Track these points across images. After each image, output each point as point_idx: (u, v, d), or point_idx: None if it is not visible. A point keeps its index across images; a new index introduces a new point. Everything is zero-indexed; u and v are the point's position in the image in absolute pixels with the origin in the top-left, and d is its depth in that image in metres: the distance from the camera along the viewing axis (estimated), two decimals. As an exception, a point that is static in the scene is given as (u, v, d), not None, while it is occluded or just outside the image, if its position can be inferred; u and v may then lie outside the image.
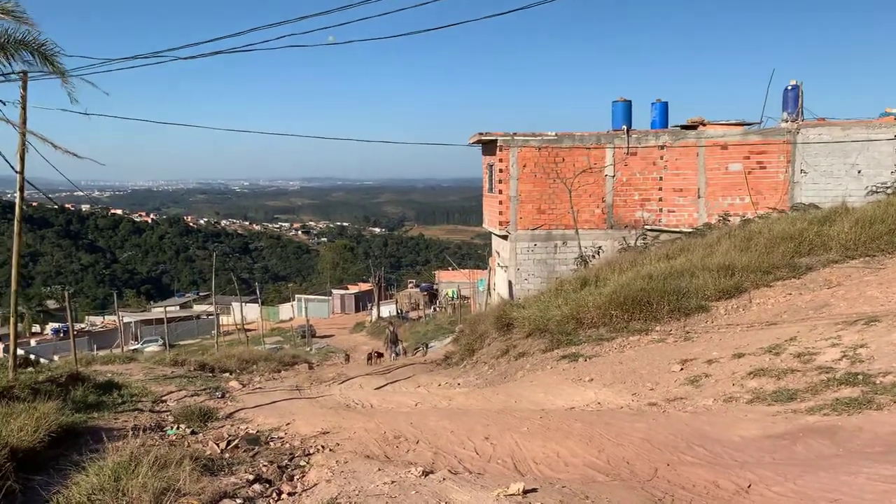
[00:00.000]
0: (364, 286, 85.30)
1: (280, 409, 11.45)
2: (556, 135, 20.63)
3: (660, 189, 20.88)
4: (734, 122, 21.14)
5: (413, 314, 66.25)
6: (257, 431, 9.59)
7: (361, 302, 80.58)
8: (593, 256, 19.48)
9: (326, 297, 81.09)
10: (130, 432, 9.84)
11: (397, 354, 27.20)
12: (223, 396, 13.36)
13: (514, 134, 20.53)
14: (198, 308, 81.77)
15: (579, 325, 12.83)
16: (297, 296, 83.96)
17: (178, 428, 10.21)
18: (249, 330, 48.33)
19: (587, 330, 12.73)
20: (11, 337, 11.31)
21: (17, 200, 11.36)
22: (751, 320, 11.46)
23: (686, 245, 15.90)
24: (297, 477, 7.44)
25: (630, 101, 21.14)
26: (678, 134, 20.93)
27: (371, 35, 10.83)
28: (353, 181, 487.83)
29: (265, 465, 7.83)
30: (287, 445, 8.80)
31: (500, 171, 20.63)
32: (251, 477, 7.33)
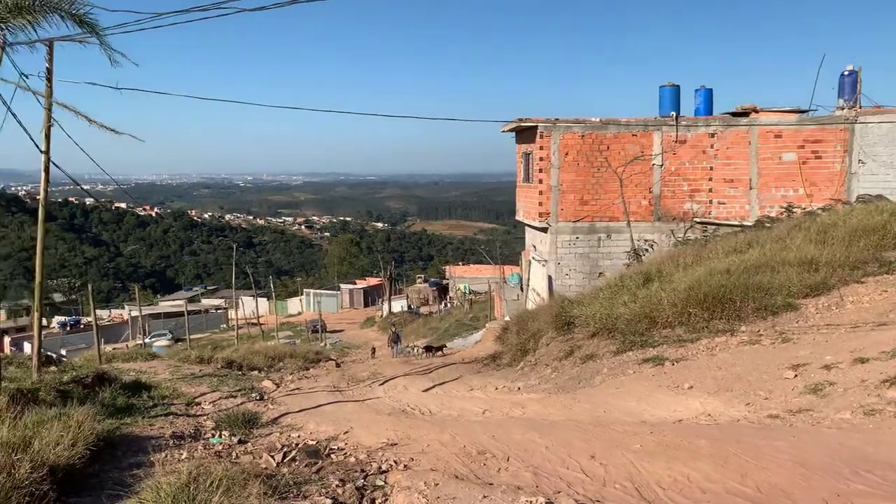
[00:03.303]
0: (372, 281, 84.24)
1: (331, 415, 10.40)
2: (601, 121, 19.50)
3: (710, 179, 19.74)
4: (788, 109, 19.99)
5: (423, 309, 65.20)
6: (316, 442, 8.51)
7: (370, 297, 79.46)
8: (646, 250, 18.36)
9: (335, 292, 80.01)
10: (170, 441, 8.81)
11: (401, 353, 27.27)
12: (262, 398, 12.34)
13: (557, 120, 19.40)
14: (205, 302, 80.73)
15: (652, 324, 11.73)
16: (305, 290, 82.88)
17: (221, 436, 9.16)
18: (261, 324, 47.22)
19: (661, 330, 11.63)
20: (35, 333, 10.22)
21: (42, 183, 10.27)
22: (852, 320, 10.34)
23: (753, 238, 14.77)
24: (380, 501, 6.36)
25: (678, 86, 19.99)
26: (730, 121, 19.77)
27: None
28: (355, 176, 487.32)
29: (338, 485, 6.75)
30: (352, 459, 7.72)
31: (541, 159, 19.49)
32: (328, 501, 6.24)
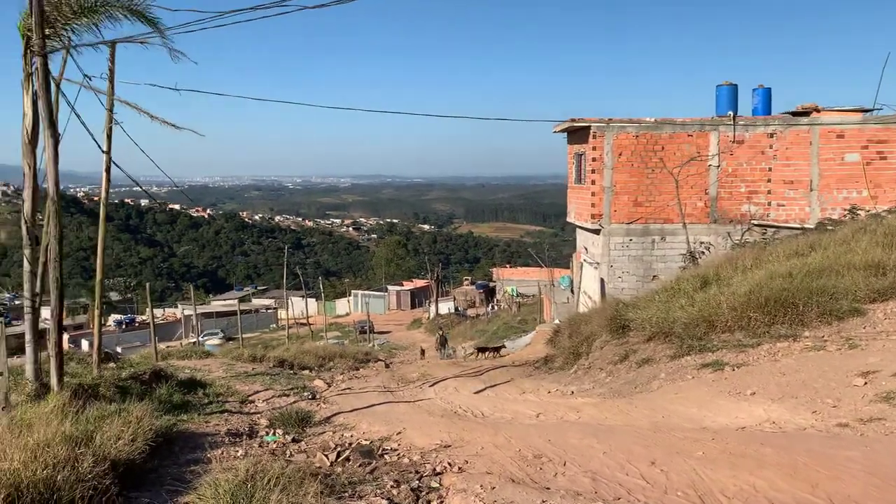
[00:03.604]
0: (419, 283, 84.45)
1: (383, 415, 10.38)
2: (656, 121, 19.14)
3: (768, 181, 19.21)
4: (851, 108, 19.34)
5: (470, 312, 65.07)
6: (370, 442, 8.49)
7: (417, 298, 79.68)
8: (703, 253, 17.94)
9: (382, 294, 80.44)
10: (225, 438, 8.89)
11: (448, 356, 27.54)
12: (314, 397, 12.41)
13: (610, 120, 19.11)
14: (256, 302, 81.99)
15: (711, 328, 11.41)
16: (353, 291, 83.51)
17: (275, 434, 9.22)
18: (310, 324, 47.77)
19: (720, 334, 11.30)
20: (95, 331, 10.43)
21: (103, 182, 10.48)
22: (925, 327, 9.90)
23: (816, 241, 14.28)
24: (436, 503, 6.29)
25: (736, 85, 19.51)
26: (789, 121, 19.22)
27: None
28: (402, 178, 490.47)
29: (392, 486, 6.71)
30: (406, 460, 7.67)
31: (594, 159, 19.22)
32: (384, 502, 6.20)
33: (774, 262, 13.41)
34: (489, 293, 73.96)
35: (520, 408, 10.24)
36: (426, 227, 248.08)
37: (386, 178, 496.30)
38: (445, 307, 64.86)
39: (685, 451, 6.90)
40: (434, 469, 7.16)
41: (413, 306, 78.61)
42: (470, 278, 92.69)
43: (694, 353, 10.87)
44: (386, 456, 7.87)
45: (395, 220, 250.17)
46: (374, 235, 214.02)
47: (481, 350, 23.97)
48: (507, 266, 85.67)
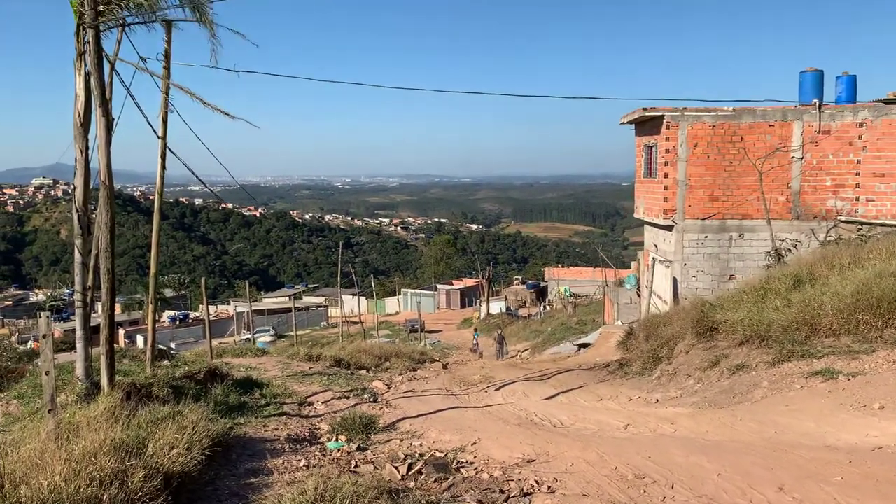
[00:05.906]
0: (468, 282, 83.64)
1: (453, 422, 9.57)
2: (734, 110, 17.88)
3: (857, 174, 17.79)
4: (951, 95, 17.79)
5: (521, 312, 63.97)
6: (444, 453, 7.67)
7: (467, 298, 78.84)
8: (789, 250, 16.65)
9: (432, 292, 79.83)
10: (285, 444, 8.20)
11: (503, 355, 27.81)
12: (375, 400, 11.67)
13: (685, 109, 17.94)
14: (306, 300, 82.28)
15: (812, 332, 10.31)
16: (403, 290, 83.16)
17: (338, 441, 8.50)
18: (362, 322, 47.32)
19: (823, 339, 10.20)
20: (149, 328, 9.85)
21: (158, 169, 9.89)
22: None
23: (922, 237, 13.01)
24: (533, 534, 5.45)
25: (822, 72, 18.14)
26: (881, 109, 17.76)
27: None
28: (450, 178, 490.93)
29: (476, 508, 5.89)
30: (485, 476, 6.84)
31: (667, 151, 18.06)
32: (470, 528, 5.38)
33: (877, 261, 12.17)
34: (540, 293, 72.73)
35: (603, 417, 9.31)
36: (474, 226, 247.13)
37: (434, 177, 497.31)
38: (496, 307, 63.90)
39: (817, 474, 5.91)
40: (521, 489, 6.32)
41: (462, 305, 77.77)
42: (520, 278, 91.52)
43: (796, 359, 9.80)
44: (462, 470, 7.07)
45: (442, 220, 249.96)
46: (422, 235, 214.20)
47: (583, 346, 24.08)
48: (559, 266, 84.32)
